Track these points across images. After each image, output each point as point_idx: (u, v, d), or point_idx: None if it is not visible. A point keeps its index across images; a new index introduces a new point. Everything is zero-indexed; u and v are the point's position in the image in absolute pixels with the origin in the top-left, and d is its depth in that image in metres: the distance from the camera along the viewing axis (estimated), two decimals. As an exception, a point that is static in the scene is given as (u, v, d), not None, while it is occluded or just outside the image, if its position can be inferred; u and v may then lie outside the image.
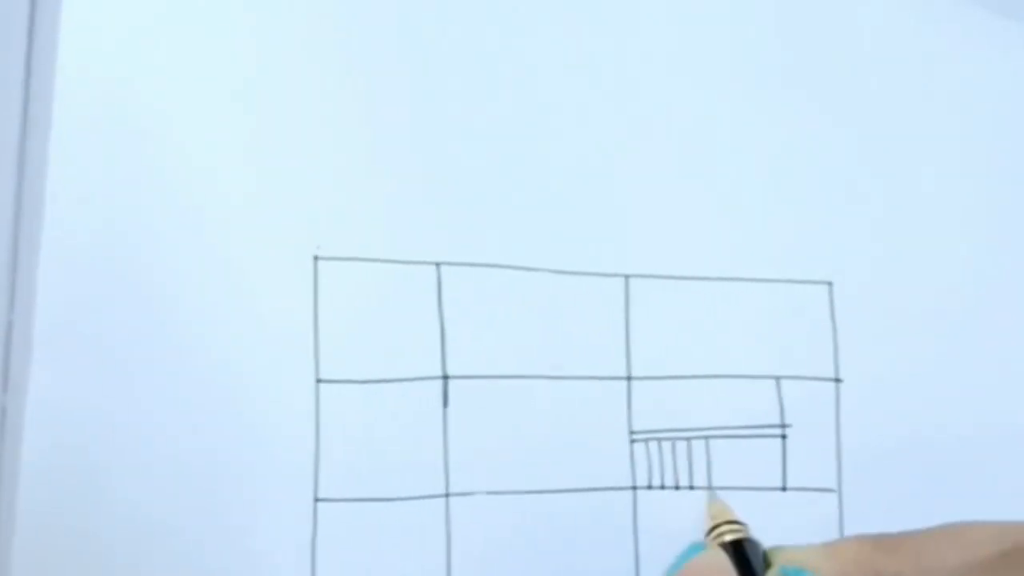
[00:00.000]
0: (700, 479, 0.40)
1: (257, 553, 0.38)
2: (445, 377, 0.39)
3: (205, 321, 0.38)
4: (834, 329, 0.42)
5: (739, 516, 0.37)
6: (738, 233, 0.42)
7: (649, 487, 0.40)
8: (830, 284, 0.42)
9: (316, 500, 0.38)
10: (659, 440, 0.40)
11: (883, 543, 0.34)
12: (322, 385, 0.39)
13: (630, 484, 0.40)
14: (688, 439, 0.41)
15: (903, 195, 0.43)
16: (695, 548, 0.36)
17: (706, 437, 0.41)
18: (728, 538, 0.36)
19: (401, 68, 0.40)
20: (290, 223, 0.39)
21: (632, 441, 0.40)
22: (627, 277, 0.41)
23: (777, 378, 0.41)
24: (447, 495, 0.39)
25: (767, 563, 0.35)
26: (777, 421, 0.41)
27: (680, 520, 0.40)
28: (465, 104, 0.41)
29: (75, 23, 0.38)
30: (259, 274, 0.39)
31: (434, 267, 0.40)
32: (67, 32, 0.38)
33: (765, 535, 0.40)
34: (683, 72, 0.42)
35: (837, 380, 0.41)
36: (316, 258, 0.39)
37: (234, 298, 0.39)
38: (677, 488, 0.40)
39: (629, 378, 0.41)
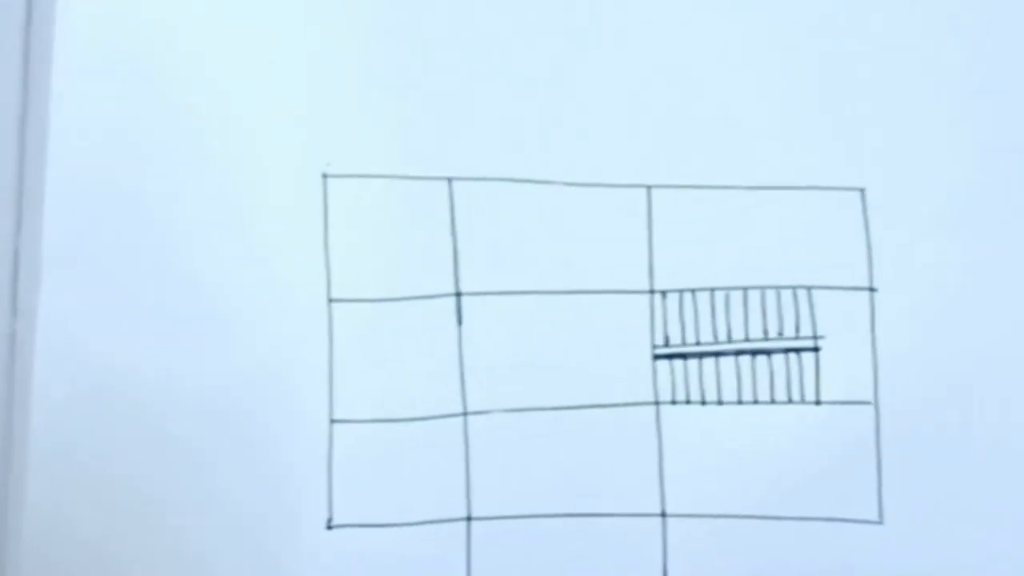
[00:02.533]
0: (729, 394, 0.39)
1: (273, 476, 0.37)
2: (458, 294, 0.39)
3: (214, 243, 0.38)
4: (867, 237, 0.40)
5: None
6: (766, 139, 0.40)
7: (673, 402, 0.39)
8: (863, 190, 0.40)
9: (331, 422, 0.38)
10: (684, 355, 0.39)
11: None
12: (334, 305, 0.38)
13: (652, 399, 0.39)
14: (716, 353, 0.39)
15: (936, 97, 0.41)
16: None
17: (736, 352, 0.39)
18: None
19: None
20: (298, 141, 0.39)
21: (655, 357, 0.39)
22: (649, 188, 0.40)
23: (809, 288, 0.39)
24: (464, 414, 0.38)
25: None
26: (810, 333, 0.39)
27: (707, 435, 0.39)
28: (476, 16, 0.39)
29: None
30: (268, 194, 0.38)
31: (446, 182, 0.39)
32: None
33: (800, 452, 0.39)
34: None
35: (872, 289, 0.40)
36: (325, 176, 0.39)
37: (243, 219, 0.38)
38: (703, 403, 0.39)
39: (652, 292, 0.39)
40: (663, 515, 0.38)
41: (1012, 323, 0.39)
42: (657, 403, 0.39)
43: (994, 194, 0.40)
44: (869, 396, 0.39)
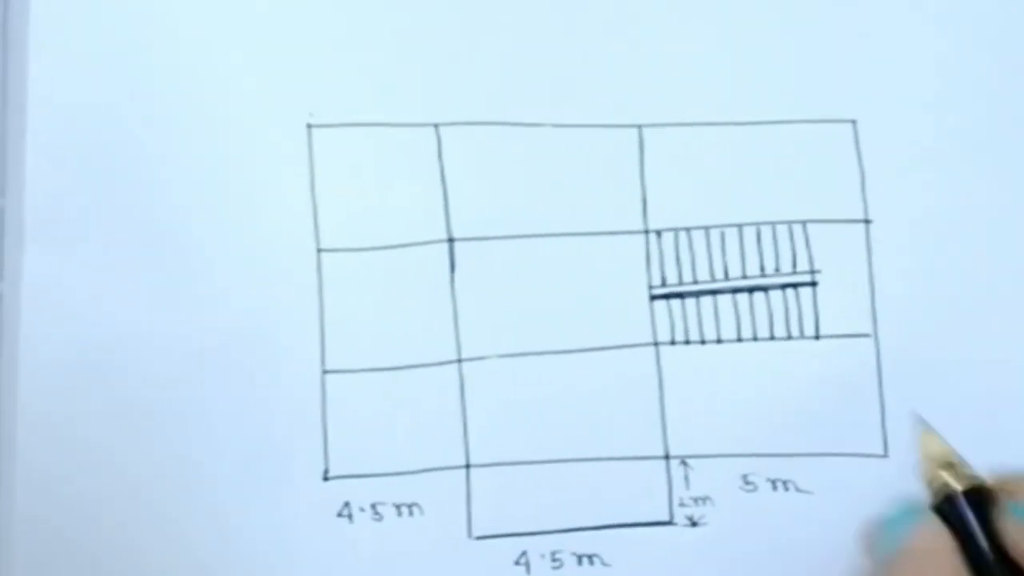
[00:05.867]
0: (728, 332, 0.38)
1: (268, 429, 0.37)
2: (451, 240, 0.38)
3: (200, 198, 0.38)
4: (861, 169, 0.39)
5: (958, 452, 0.34)
6: (755, 74, 0.40)
7: (672, 343, 0.38)
8: (854, 122, 0.39)
9: (324, 372, 0.37)
10: (681, 294, 0.38)
11: None
12: (323, 255, 0.38)
13: (651, 340, 0.38)
14: (713, 292, 0.39)
15: (926, 27, 0.40)
16: (907, 515, 0.33)
17: (733, 290, 0.39)
18: (957, 487, 0.33)
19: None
20: (280, 91, 0.38)
21: (652, 297, 0.38)
22: (640, 127, 0.39)
23: (804, 223, 0.39)
24: (459, 360, 0.38)
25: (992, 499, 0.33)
26: (807, 267, 0.39)
27: (707, 375, 0.38)
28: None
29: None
30: (252, 147, 0.38)
31: (432, 128, 0.38)
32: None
33: (801, 388, 0.38)
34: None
35: (867, 221, 0.39)
36: (309, 126, 0.38)
37: (228, 173, 0.38)
38: (703, 343, 0.38)
39: (646, 232, 0.39)
40: (666, 457, 0.38)
41: (1006, 250, 0.39)
42: (656, 344, 0.38)
43: (985, 123, 0.40)
44: (868, 328, 0.39)
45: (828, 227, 0.39)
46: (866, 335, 0.38)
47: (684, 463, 0.38)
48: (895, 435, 0.38)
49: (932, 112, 0.40)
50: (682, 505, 0.38)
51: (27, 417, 0.36)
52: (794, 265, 0.39)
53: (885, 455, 0.38)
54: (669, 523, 0.37)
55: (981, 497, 0.33)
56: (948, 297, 0.39)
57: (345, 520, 0.37)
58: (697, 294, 0.39)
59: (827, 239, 0.39)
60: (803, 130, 0.39)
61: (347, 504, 0.37)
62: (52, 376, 0.36)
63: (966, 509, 0.33)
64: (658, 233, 0.39)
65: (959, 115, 0.40)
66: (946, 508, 0.33)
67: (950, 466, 0.34)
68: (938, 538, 0.33)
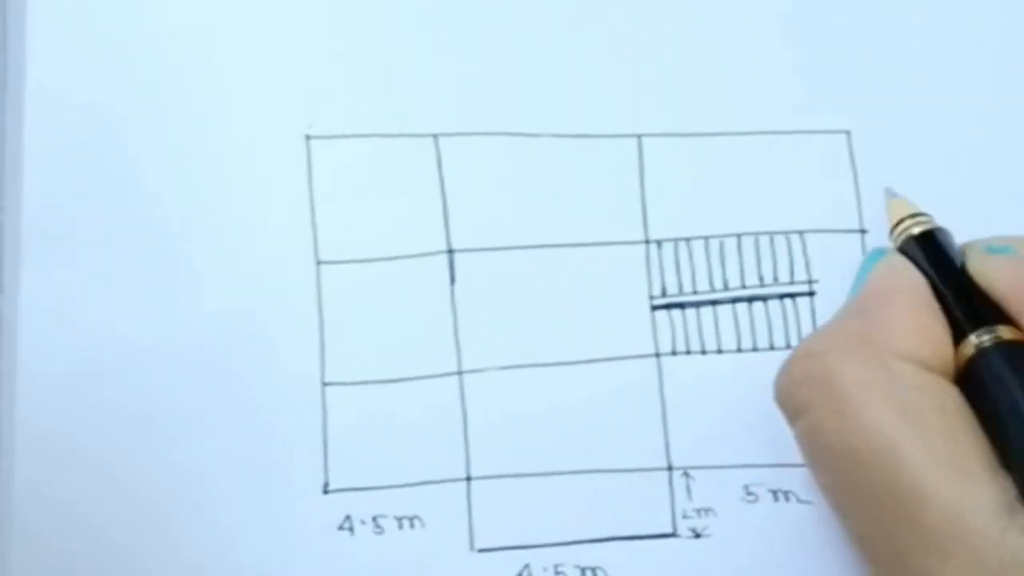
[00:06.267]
0: (728, 342, 0.38)
1: (267, 441, 0.37)
2: (450, 251, 0.38)
3: (198, 211, 0.37)
4: (855, 179, 0.39)
5: (922, 208, 0.35)
6: (753, 85, 0.40)
7: (674, 353, 0.38)
8: (848, 133, 0.40)
9: (324, 385, 0.37)
10: (682, 304, 0.38)
11: None
12: (323, 267, 0.37)
13: (653, 351, 0.38)
14: (713, 302, 0.38)
15: (921, 35, 0.40)
16: (876, 255, 0.34)
17: (733, 300, 0.39)
18: (916, 231, 0.34)
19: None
20: (278, 103, 0.38)
21: (653, 308, 0.38)
22: (640, 137, 0.39)
23: (801, 232, 0.39)
24: (460, 373, 0.37)
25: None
26: (804, 277, 0.39)
27: (709, 385, 0.38)
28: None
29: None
30: (250, 159, 0.38)
31: (432, 139, 0.38)
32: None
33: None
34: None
35: (863, 231, 0.39)
36: (308, 137, 0.38)
37: (226, 186, 0.38)
38: (704, 353, 0.38)
39: (647, 242, 0.39)
40: (669, 468, 0.38)
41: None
42: (658, 355, 0.38)
43: (979, 133, 0.40)
44: (865, 339, 0.39)
45: (825, 237, 0.39)
46: (864, 344, 0.38)
47: (686, 474, 0.38)
48: (896, 444, 0.38)
49: (926, 123, 0.40)
50: (685, 517, 0.37)
51: (25, 429, 0.35)
52: (792, 275, 0.39)
53: (885, 464, 0.38)
54: (672, 535, 0.37)
55: (947, 239, 0.34)
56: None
57: (346, 533, 0.36)
58: (697, 304, 0.39)
59: (824, 249, 0.39)
60: (799, 140, 0.40)
61: (348, 517, 0.36)
62: (51, 388, 0.36)
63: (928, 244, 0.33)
64: (658, 243, 0.39)
65: (953, 125, 0.40)
66: (911, 249, 0.34)
67: (915, 216, 0.34)
68: (903, 268, 0.33)
